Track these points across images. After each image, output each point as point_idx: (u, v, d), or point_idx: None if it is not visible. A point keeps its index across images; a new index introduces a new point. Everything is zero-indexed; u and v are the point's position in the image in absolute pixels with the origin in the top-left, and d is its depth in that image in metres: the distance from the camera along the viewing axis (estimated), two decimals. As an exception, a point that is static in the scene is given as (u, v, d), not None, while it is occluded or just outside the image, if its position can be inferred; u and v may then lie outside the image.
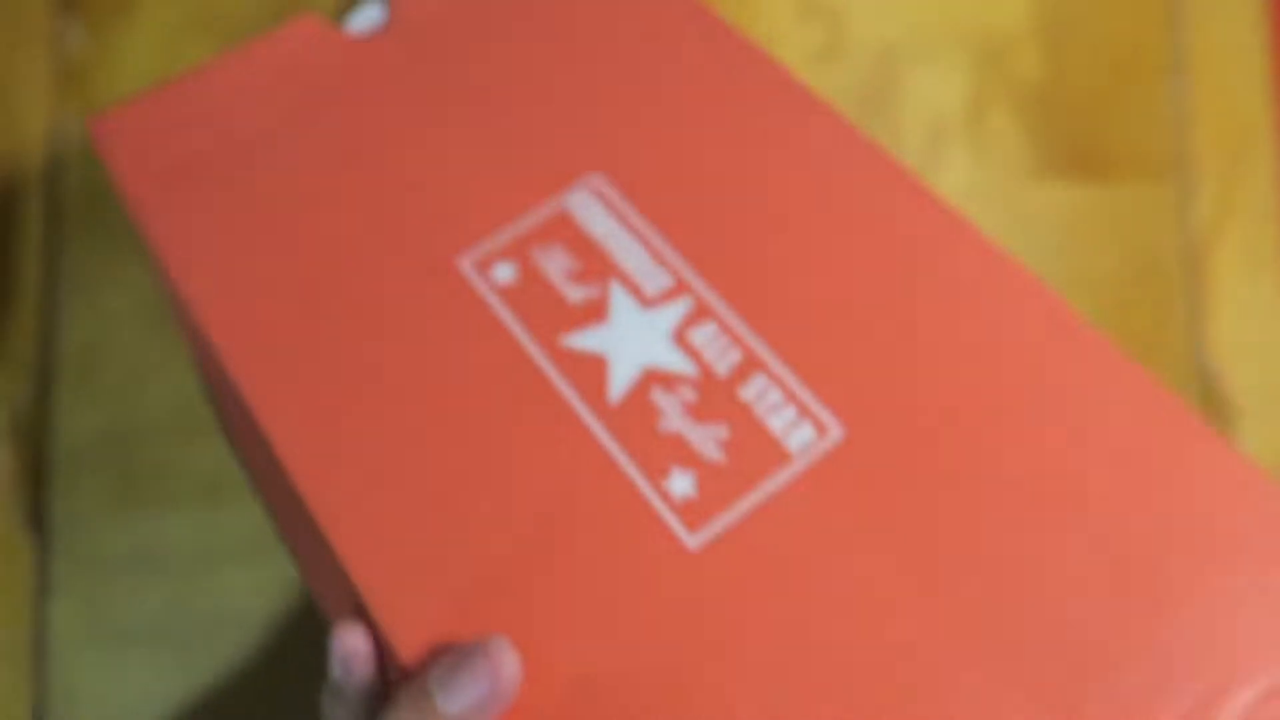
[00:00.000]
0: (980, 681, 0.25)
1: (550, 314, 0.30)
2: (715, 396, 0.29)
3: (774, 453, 0.28)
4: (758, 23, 0.49)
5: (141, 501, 0.45)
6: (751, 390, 0.29)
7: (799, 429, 0.28)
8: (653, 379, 0.29)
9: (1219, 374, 0.48)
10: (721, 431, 0.28)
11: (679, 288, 0.30)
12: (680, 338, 0.30)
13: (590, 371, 0.29)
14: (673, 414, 0.29)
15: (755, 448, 0.28)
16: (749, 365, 0.29)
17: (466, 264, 0.31)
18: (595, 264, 0.31)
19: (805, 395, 0.29)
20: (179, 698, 0.45)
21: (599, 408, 0.29)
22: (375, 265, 0.32)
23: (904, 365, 0.29)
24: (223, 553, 0.44)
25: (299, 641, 0.44)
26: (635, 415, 0.29)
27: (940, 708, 0.24)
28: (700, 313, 0.30)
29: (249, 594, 0.44)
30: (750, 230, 0.31)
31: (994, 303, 0.30)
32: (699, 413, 0.29)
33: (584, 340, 0.30)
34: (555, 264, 0.31)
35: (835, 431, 0.28)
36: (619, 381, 0.29)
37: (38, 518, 0.46)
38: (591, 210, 0.32)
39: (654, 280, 0.30)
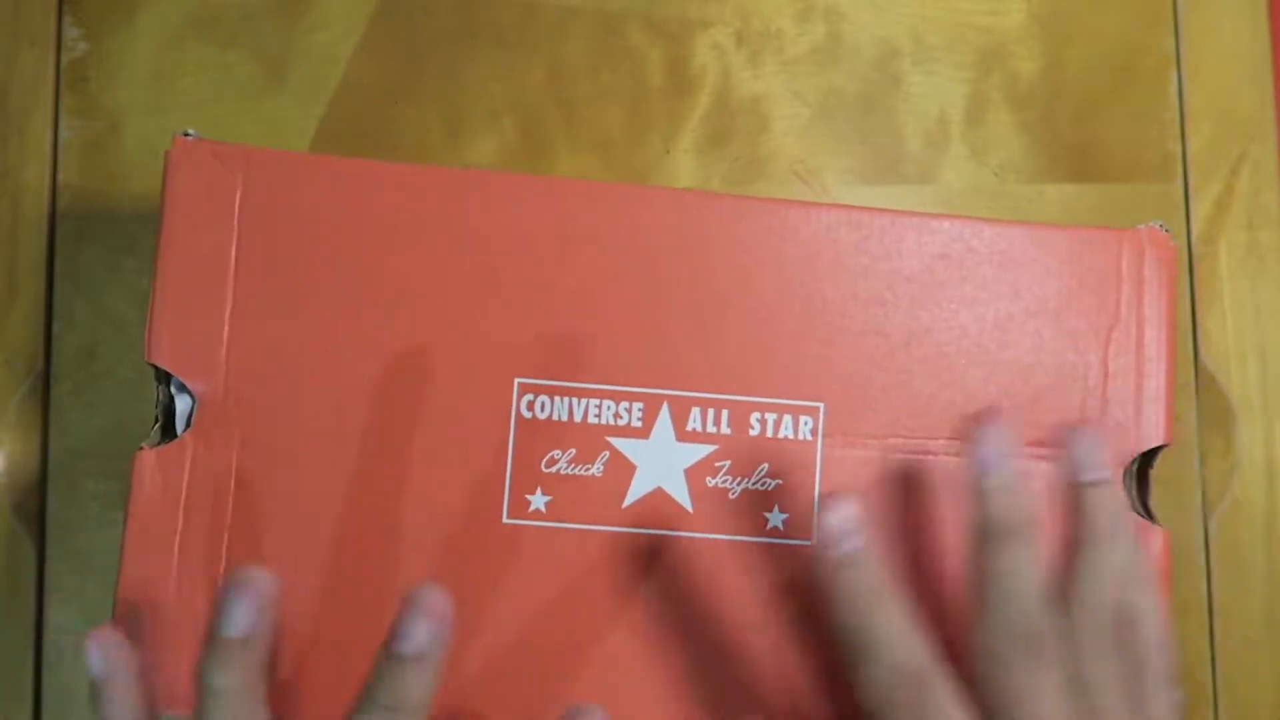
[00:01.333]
0: None
1: (597, 496, 0.35)
2: (740, 449, 0.35)
3: (802, 450, 0.35)
4: (757, 22, 0.49)
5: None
6: (755, 426, 0.35)
7: (800, 422, 0.35)
8: (696, 474, 0.35)
9: (1219, 374, 0.48)
10: (765, 466, 0.35)
11: (652, 405, 0.35)
12: (684, 434, 0.35)
13: (660, 506, 0.35)
14: (731, 484, 0.35)
15: (790, 457, 0.35)
16: (736, 412, 0.35)
17: (508, 519, 0.35)
18: (587, 438, 0.35)
19: (783, 401, 0.35)
20: (179, 698, 0.45)
21: (688, 523, 0.35)
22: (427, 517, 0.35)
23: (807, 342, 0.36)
24: (223, 553, 0.44)
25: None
26: (712, 507, 0.35)
27: None
28: (679, 408, 0.35)
29: (249, 594, 0.44)
30: (650, 329, 0.35)
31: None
32: (742, 468, 0.35)
33: (635, 491, 0.35)
34: (564, 462, 0.35)
35: (819, 405, 0.35)
36: (681, 496, 0.35)
37: (38, 518, 0.46)
38: (544, 406, 0.35)
39: (631, 414, 0.35)
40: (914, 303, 0.35)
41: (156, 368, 0.34)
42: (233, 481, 0.34)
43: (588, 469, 0.35)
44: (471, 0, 0.48)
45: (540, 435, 0.35)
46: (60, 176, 0.47)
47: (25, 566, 0.45)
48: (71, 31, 0.48)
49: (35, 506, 0.46)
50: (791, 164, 0.48)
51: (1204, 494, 0.47)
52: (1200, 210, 0.48)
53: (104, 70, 0.48)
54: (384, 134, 0.48)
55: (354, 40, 0.48)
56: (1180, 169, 0.49)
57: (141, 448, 0.34)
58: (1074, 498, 0.32)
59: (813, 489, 0.35)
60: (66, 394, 0.46)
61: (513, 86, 0.48)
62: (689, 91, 0.48)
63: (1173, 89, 0.49)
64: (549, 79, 0.48)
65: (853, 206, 0.36)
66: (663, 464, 0.35)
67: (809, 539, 0.35)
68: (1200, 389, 0.48)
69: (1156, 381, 0.36)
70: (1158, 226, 0.36)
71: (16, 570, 0.45)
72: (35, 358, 0.46)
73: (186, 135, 0.35)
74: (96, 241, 0.47)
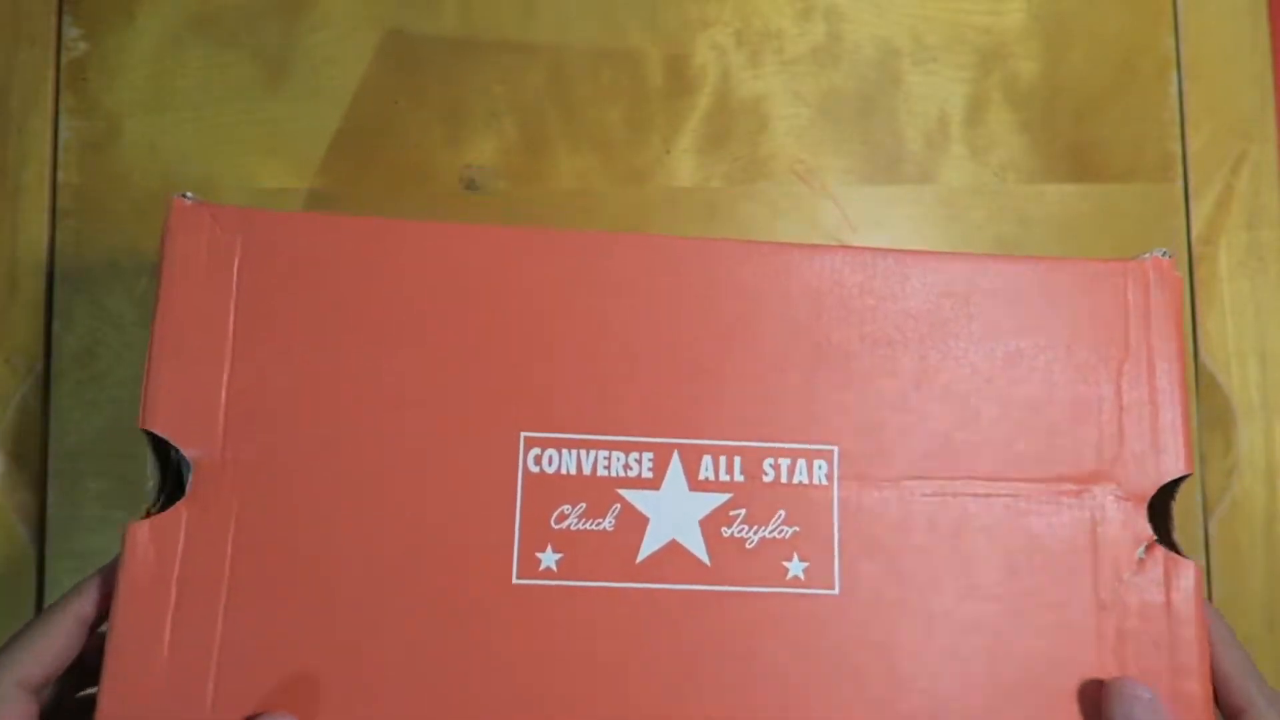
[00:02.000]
0: None
1: (610, 551, 0.34)
2: (755, 497, 0.34)
3: (818, 496, 0.34)
4: (757, 22, 0.49)
5: (141, 502, 0.45)
6: (769, 472, 0.34)
7: (814, 466, 0.34)
8: (711, 524, 0.34)
9: (1219, 374, 0.48)
10: (782, 514, 0.34)
11: (662, 454, 0.34)
12: (697, 483, 0.34)
13: (676, 559, 0.34)
14: (748, 534, 0.34)
15: (807, 503, 0.34)
16: (748, 459, 0.34)
17: (518, 579, 0.33)
18: (597, 491, 0.34)
19: (796, 446, 0.34)
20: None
21: (706, 576, 0.34)
22: (436, 580, 0.34)
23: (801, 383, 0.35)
24: (223, 553, 0.44)
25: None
26: (729, 558, 0.34)
27: None
28: (690, 457, 0.34)
29: (249, 594, 0.44)
30: (658, 377, 0.34)
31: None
32: (758, 517, 0.34)
33: (649, 545, 0.34)
34: (575, 517, 0.34)
35: (833, 449, 0.34)
36: (698, 548, 0.34)
37: (38, 518, 0.46)
38: (552, 459, 0.34)
39: (642, 465, 0.34)
40: (922, 341, 0.35)
41: (152, 434, 0.33)
42: (229, 549, 0.33)
43: (599, 523, 0.33)
44: (472, 1, 0.48)
45: (549, 490, 0.34)
46: (60, 176, 0.47)
47: (25, 566, 0.45)
48: (71, 31, 0.48)
49: (35, 506, 0.46)
50: (791, 164, 0.48)
51: (1204, 494, 0.47)
52: (1200, 210, 0.48)
53: (104, 70, 0.48)
54: (384, 134, 0.48)
55: (354, 40, 0.48)
56: (1180, 169, 0.49)
57: (139, 516, 0.33)
58: None
59: (831, 534, 0.34)
60: (66, 394, 0.46)
61: (513, 87, 0.48)
62: (689, 91, 0.48)
63: (1173, 89, 0.49)
64: (549, 79, 0.48)
65: (857, 248, 0.35)
66: (676, 515, 0.34)
67: (831, 588, 0.34)
68: (1200, 389, 0.48)
69: (1172, 412, 0.35)
70: (1161, 255, 0.36)
71: (16, 570, 0.45)
72: (35, 357, 0.46)
73: (185, 198, 0.34)
74: (96, 241, 0.47)
